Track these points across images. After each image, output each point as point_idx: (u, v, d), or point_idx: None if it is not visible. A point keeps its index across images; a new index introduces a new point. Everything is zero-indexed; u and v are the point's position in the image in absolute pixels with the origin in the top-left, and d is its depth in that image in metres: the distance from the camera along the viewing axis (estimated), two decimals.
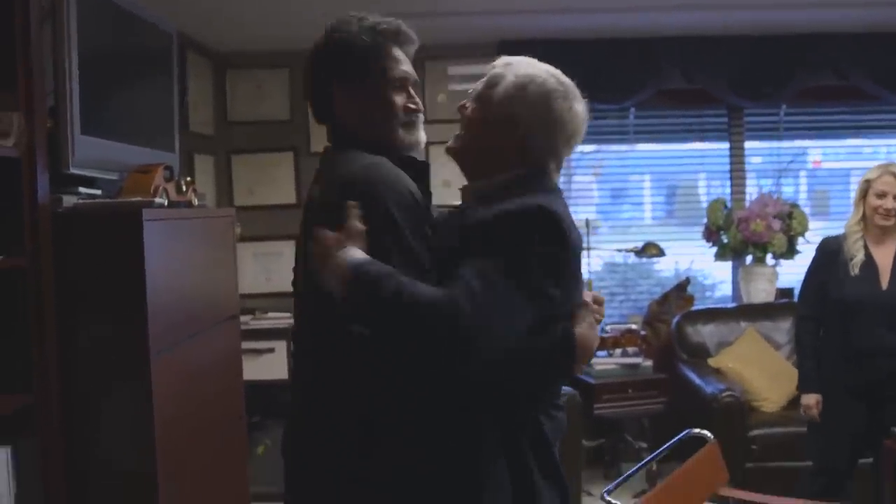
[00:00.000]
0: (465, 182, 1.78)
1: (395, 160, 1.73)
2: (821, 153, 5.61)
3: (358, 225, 1.58)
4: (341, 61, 1.77)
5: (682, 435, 2.92)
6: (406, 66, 1.81)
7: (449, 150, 1.77)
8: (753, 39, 4.88)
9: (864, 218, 3.40)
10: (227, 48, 4.83)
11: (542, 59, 1.77)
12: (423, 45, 1.88)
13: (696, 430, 2.94)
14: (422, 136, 1.83)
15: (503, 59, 1.76)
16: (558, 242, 1.58)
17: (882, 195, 3.32)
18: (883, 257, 3.36)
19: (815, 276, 3.55)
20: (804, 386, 3.53)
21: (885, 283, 3.33)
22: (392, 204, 1.61)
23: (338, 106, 1.80)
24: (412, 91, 1.82)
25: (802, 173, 5.59)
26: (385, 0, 3.66)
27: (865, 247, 3.38)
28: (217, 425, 2.87)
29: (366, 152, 1.71)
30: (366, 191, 1.61)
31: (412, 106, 1.80)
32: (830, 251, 3.49)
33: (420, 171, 1.78)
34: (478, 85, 1.75)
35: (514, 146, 1.68)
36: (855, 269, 3.34)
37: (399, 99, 1.79)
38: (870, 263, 3.36)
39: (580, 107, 1.72)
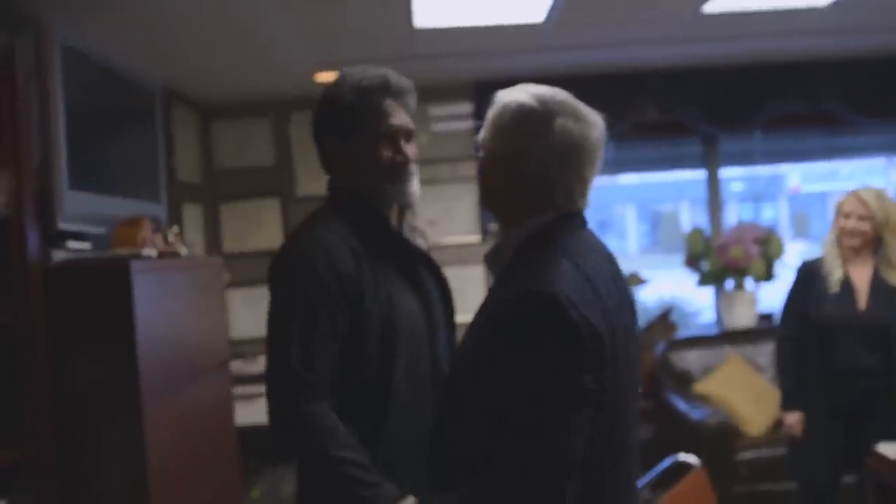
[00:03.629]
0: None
1: (368, 213, 1.80)
2: (799, 178, 5.69)
3: None
4: (328, 120, 1.82)
5: (668, 462, 2.96)
6: (395, 119, 1.79)
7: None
8: (724, 70, 4.98)
9: (838, 239, 3.48)
10: (212, 99, 4.90)
11: None
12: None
13: (682, 456, 2.97)
14: (413, 187, 1.81)
15: (498, 95, 1.61)
16: (568, 341, 1.36)
17: (847, 216, 3.40)
18: (859, 279, 3.42)
19: (795, 298, 3.61)
20: (786, 404, 3.58)
21: (862, 304, 3.39)
22: (299, 291, 1.69)
23: (332, 162, 1.86)
24: (403, 142, 1.80)
25: (782, 198, 5.66)
26: (362, 45, 3.81)
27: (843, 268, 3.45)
28: (211, 470, 2.91)
29: (351, 208, 1.79)
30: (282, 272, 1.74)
31: (399, 158, 1.78)
32: (809, 273, 3.55)
33: (378, 224, 1.81)
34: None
35: (514, 186, 1.54)
36: (834, 287, 3.40)
37: (386, 152, 1.78)
38: (847, 285, 3.42)
39: (571, 123, 1.52)
